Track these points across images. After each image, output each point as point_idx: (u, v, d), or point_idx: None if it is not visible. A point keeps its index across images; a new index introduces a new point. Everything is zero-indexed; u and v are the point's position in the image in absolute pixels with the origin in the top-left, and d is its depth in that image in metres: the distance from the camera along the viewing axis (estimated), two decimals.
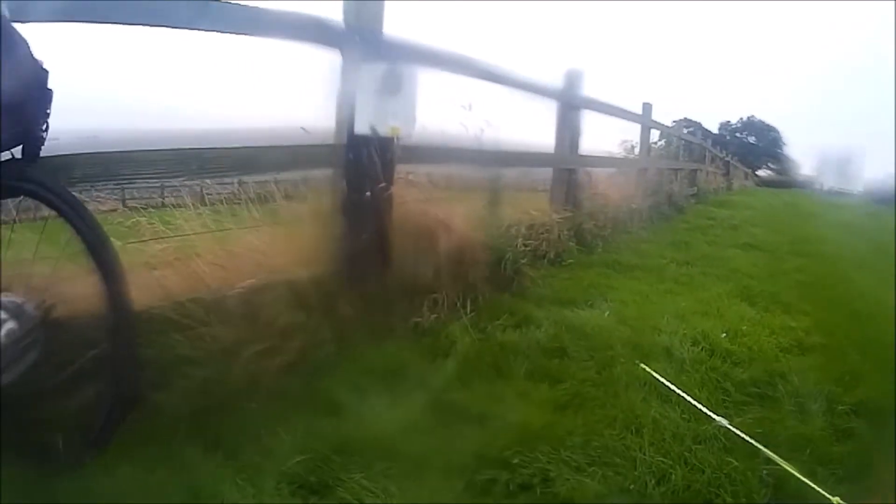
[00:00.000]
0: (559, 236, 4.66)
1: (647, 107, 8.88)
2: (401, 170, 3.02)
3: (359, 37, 2.77)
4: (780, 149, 34.47)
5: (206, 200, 2.57)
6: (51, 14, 1.97)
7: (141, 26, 2.18)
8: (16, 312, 1.79)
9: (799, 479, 1.79)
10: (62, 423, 1.86)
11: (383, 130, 2.76)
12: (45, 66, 1.77)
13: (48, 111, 1.80)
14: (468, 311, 2.99)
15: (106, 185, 2.23)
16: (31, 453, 1.81)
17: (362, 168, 2.77)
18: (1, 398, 1.76)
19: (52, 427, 1.85)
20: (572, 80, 5.63)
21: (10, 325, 1.76)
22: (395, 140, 2.86)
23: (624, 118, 7.92)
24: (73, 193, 1.92)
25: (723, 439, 2.03)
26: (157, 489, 1.74)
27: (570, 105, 5.58)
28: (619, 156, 9.04)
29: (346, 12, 2.80)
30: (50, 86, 1.79)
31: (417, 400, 2.20)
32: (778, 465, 1.86)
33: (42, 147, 1.82)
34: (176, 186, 2.46)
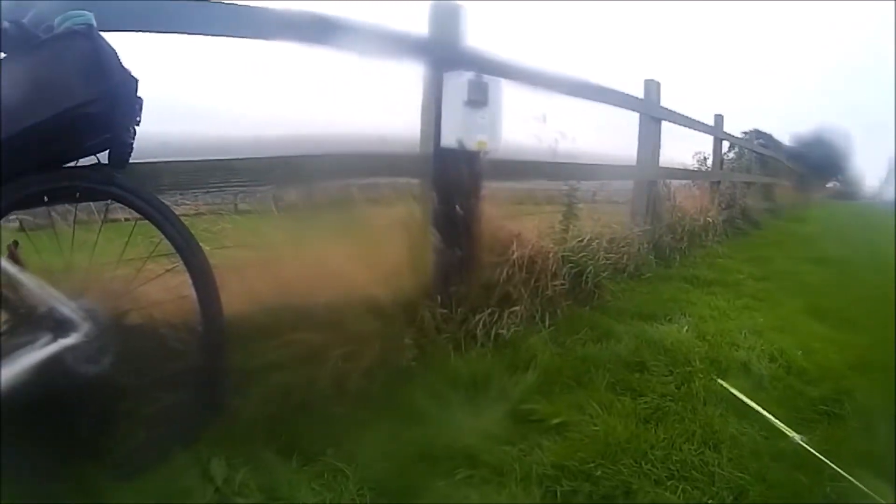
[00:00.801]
0: (639, 249, 4.62)
1: (718, 118, 8.71)
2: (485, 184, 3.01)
3: (443, 48, 2.79)
4: (849, 161, 33.62)
5: (293, 207, 2.60)
6: (148, 24, 2.05)
7: (244, 39, 2.28)
8: (94, 315, 1.84)
9: (864, 494, 1.76)
10: (147, 422, 1.92)
11: (471, 144, 2.77)
12: (133, 75, 1.81)
13: (138, 118, 1.84)
14: (547, 325, 2.99)
15: (196, 190, 2.27)
16: (111, 451, 1.86)
17: (450, 181, 2.79)
18: (82, 397, 1.82)
19: (137, 425, 1.91)
20: (651, 90, 5.56)
21: (87, 326, 1.81)
22: (482, 154, 2.86)
23: (697, 129, 7.75)
24: (162, 199, 1.97)
25: (794, 456, 1.98)
26: (237, 490, 1.77)
27: (650, 116, 5.50)
28: (693, 168, 8.89)
29: (430, 24, 2.83)
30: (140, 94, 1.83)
31: (499, 410, 2.20)
32: (842, 482, 1.82)
33: (130, 153, 1.86)
34: (262, 193, 2.52)
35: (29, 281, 1.76)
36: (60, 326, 1.78)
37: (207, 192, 2.33)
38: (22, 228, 1.95)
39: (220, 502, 1.74)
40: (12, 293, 1.78)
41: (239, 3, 2.22)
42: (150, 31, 2.06)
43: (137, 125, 1.84)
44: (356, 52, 2.53)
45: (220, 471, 1.83)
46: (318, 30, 2.45)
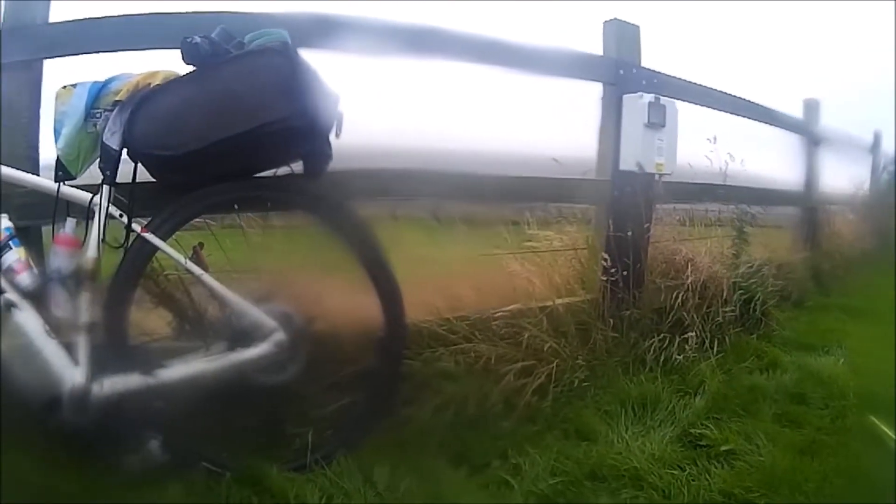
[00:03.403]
0: (801, 277, 4.44)
1: (877, 134, 7.85)
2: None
3: (622, 70, 2.78)
4: None
5: (469, 223, 2.66)
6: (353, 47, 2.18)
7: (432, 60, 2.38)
8: (285, 321, 1.94)
9: None
10: (318, 423, 2.02)
11: (649, 167, 2.75)
12: (334, 90, 1.89)
13: (338, 132, 1.92)
14: (715, 352, 2.93)
15: (379, 199, 2.35)
16: (283, 449, 1.97)
17: (627, 205, 2.78)
18: (267, 398, 1.96)
19: (308, 426, 2.00)
20: (811, 110, 5.31)
21: (279, 334, 1.92)
22: (658, 177, 2.84)
23: (856, 148, 7.25)
24: (353, 208, 2.04)
25: None
26: (401, 497, 1.84)
27: (812, 138, 5.27)
28: (848, 191, 8.34)
29: (605, 45, 2.83)
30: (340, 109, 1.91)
31: (667, 433, 2.20)
32: None
33: (327, 166, 1.95)
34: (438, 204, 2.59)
35: (211, 283, 1.88)
36: (243, 330, 1.91)
37: (383, 200, 2.41)
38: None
39: None
40: (194, 295, 1.94)
41: (424, 24, 2.34)
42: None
43: (337, 138, 1.92)
44: (535, 72, 2.58)
45: (383, 477, 1.90)
46: (494, 50, 2.52)
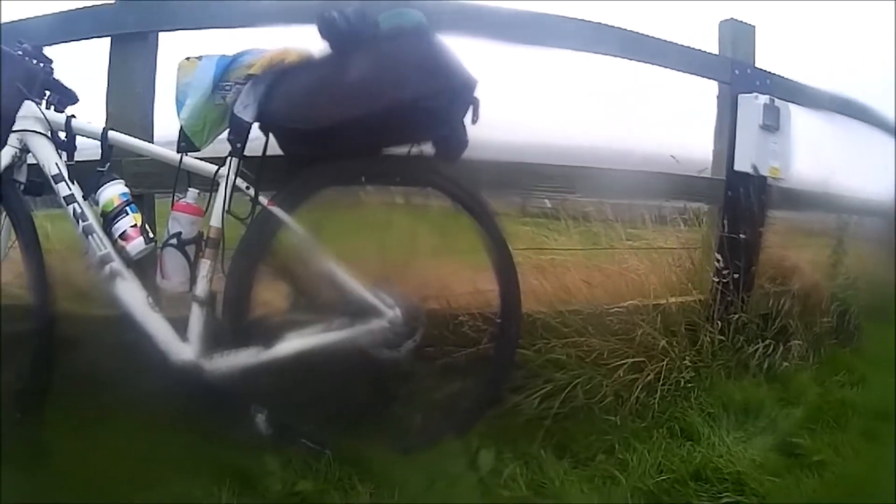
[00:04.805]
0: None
1: None
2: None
3: (737, 70, 2.72)
4: None
5: (581, 217, 2.64)
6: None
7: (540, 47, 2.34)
8: (403, 300, 1.94)
9: None
10: (427, 405, 2.03)
11: (763, 170, 2.69)
12: (472, 75, 1.87)
13: (474, 117, 1.90)
14: (813, 363, 2.87)
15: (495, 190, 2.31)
16: (388, 430, 1.97)
17: (741, 207, 2.72)
18: (378, 377, 1.97)
19: (417, 408, 2.01)
20: None
21: (395, 312, 1.92)
22: (772, 182, 2.78)
23: None
24: (480, 195, 2.03)
25: None
26: (503, 483, 1.83)
27: None
28: None
29: (720, 44, 2.78)
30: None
31: (767, 440, 2.16)
32: None
33: (463, 149, 1.93)
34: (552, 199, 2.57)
35: (333, 259, 1.90)
36: (360, 306, 1.91)
37: (502, 192, 2.40)
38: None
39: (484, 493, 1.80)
40: (315, 270, 1.92)
41: (537, 10, 2.31)
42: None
43: (474, 123, 1.90)
44: (655, 64, 2.55)
45: (487, 462, 1.89)
46: (614, 40, 2.48)
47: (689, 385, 2.36)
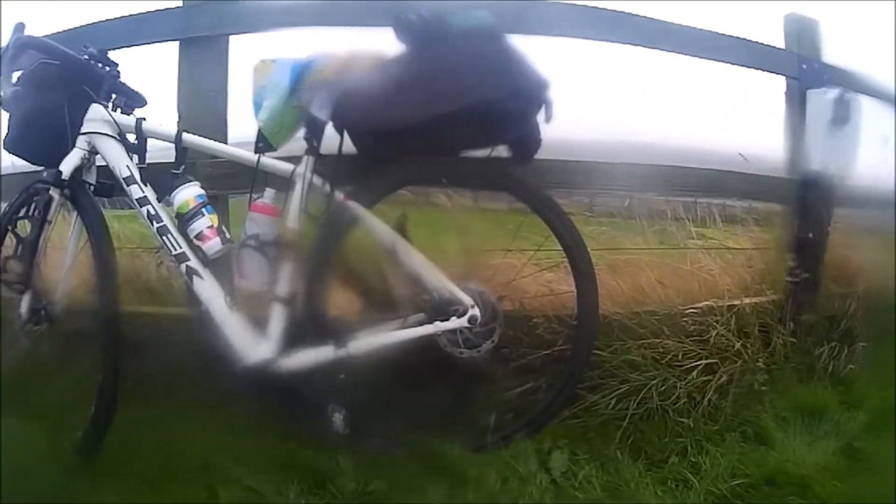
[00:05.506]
0: None
1: None
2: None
3: (804, 64, 2.68)
4: None
5: (654, 216, 2.64)
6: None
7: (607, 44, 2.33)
8: (480, 299, 1.94)
9: None
10: (501, 404, 2.03)
11: (832, 167, 2.64)
12: (544, 76, 1.86)
13: (547, 118, 1.89)
14: (877, 366, 2.76)
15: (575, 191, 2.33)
16: (460, 428, 1.96)
17: (810, 206, 2.68)
18: (454, 376, 1.96)
19: (490, 407, 2.00)
20: None
21: (474, 311, 1.91)
22: (841, 180, 2.73)
23: None
24: (553, 197, 2.03)
25: None
26: (577, 485, 1.82)
27: None
28: None
29: (786, 38, 2.74)
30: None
31: (832, 444, 2.10)
32: None
33: (536, 151, 1.94)
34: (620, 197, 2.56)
35: (414, 255, 1.91)
36: (440, 304, 1.92)
37: (571, 192, 2.40)
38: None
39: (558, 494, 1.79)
40: (393, 267, 1.93)
41: (603, 7, 2.32)
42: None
43: (547, 123, 1.89)
44: (721, 60, 2.53)
45: (561, 463, 1.89)
46: (678, 39, 2.46)
47: (762, 388, 2.33)
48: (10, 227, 1.95)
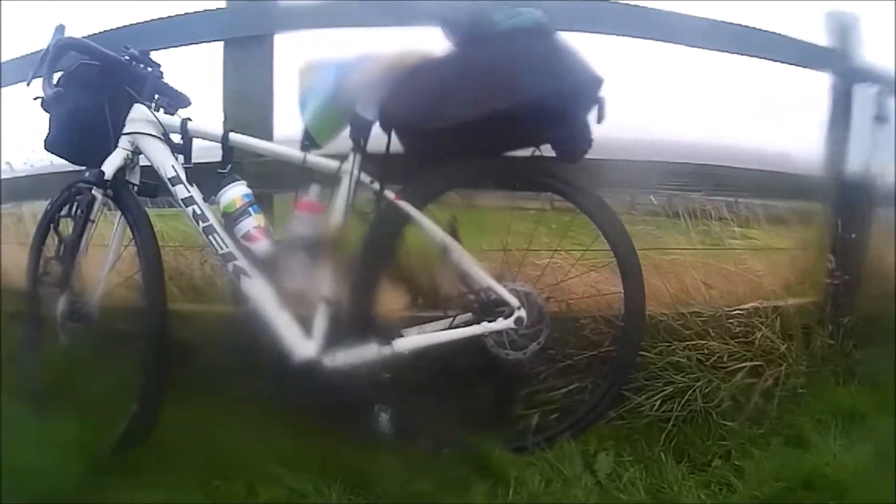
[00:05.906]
0: None
1: None
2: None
3: (847, 61, 2.66)
4: None
5: (698, 216, 2.61)
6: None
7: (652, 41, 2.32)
8: (527, 300, 1.94)
9: None
10: (545, 404, 2.04)
11: (876, 166, 2.64)
12: (596, 73, 1.85)
13: (599, 116, 1.88)
14: None
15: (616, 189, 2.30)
16: (507, 429, 1.98)
17: (852, 206, 2.67)
18: (499, 376, 1.98)
19: (535, 407, 2.02)
20: None
21: (521, 312, 1.92)
22: (881, 179, 2.71)
23: None
24: (600, 196, 2.03)
25: None
26: (622, 487, 1.82)
27: None
28: None
29: (828, 35, 2.71)
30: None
31: (866, 449, 2.07)
32: None
33: (586, 150, 1.93)
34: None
35: (463, 256, 1.90)
36: (487, 304, 1.93)
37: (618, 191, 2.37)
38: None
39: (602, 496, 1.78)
40: (450, 269, 1.93)
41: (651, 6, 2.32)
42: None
43: (599, 123, 1.89)
44: (763, 57, 2.51)
45: (606, 465, 1.89)
46: (724, 37, 2.44)
47: (802, 391, 2.32)
48: (52, 225, 1.98)
